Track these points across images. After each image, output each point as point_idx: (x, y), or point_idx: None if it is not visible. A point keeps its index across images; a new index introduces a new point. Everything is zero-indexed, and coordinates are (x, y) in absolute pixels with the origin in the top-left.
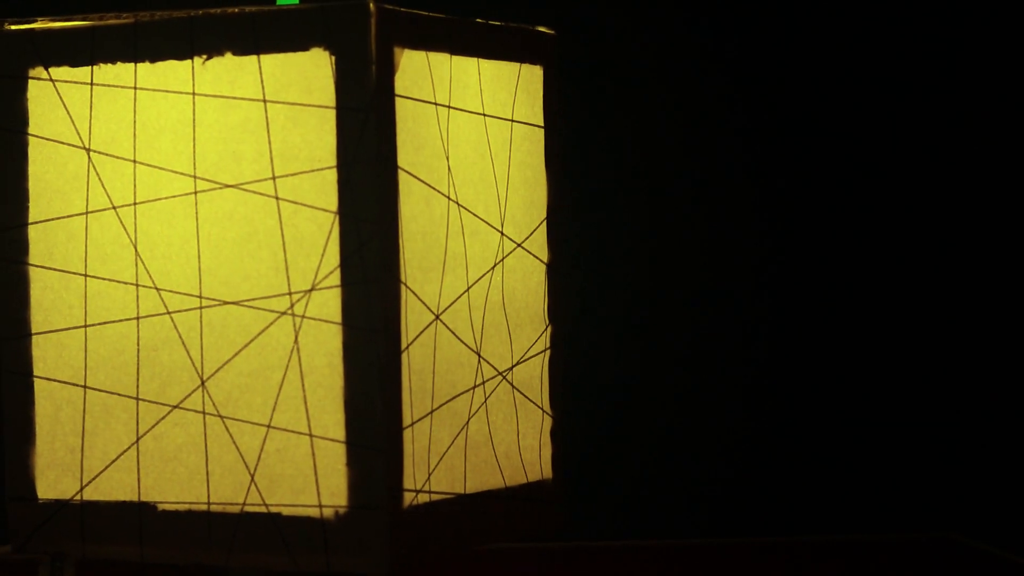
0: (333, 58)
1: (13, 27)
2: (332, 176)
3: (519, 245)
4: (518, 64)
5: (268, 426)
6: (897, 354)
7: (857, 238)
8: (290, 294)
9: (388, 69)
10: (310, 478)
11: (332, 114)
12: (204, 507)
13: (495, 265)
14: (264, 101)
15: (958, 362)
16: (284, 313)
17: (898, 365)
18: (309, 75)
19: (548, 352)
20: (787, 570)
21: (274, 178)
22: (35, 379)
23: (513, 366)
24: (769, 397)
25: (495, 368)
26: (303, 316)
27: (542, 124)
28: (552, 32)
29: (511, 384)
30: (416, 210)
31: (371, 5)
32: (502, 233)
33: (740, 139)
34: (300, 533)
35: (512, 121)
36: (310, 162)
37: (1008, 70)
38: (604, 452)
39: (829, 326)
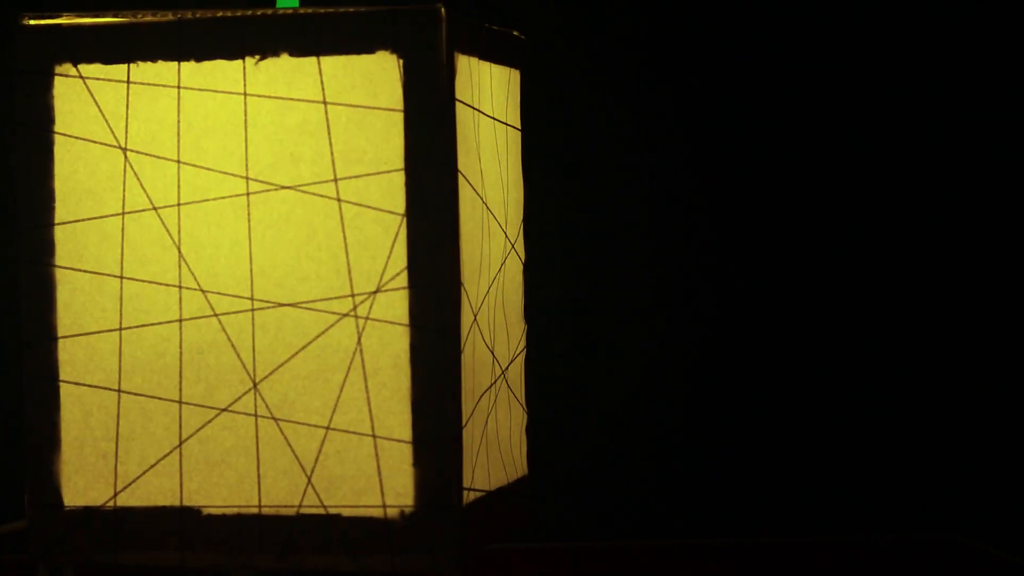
0: (401, 61)
1: (33, 22)
2: (398, 179)
3: (513, 246)
4: (508, 68)
5: (327, 428)
6: (897, 353)
7: (855, 235)
8: (353, 296)
9: (452, 73)
10: (373, 479)
11: (398, 117)
12: (255, 510)
13: (502, 265)
14: (324, 103)
15: (959, 362)
16: (346, 315)
17: (898, 364)
18: (375, 78)
19: (525, 350)
20: (785, 571)
21: (336, 180)
22: (61, 383)
23: (509, 363)
24: (765, 395)
25: (500, 366)
26: (367, 318)
27: (519, 127)
28: (524, 36)
29: (506, 382)
30: (466, 213)
31: (442, 10)
32: (506, 234)
33: (725, 138)
34: (363, 534)
35: (507, 125)
36: (375, 164)
37: (1007, 67)
38: (598, 451)
39: (825, 323)
